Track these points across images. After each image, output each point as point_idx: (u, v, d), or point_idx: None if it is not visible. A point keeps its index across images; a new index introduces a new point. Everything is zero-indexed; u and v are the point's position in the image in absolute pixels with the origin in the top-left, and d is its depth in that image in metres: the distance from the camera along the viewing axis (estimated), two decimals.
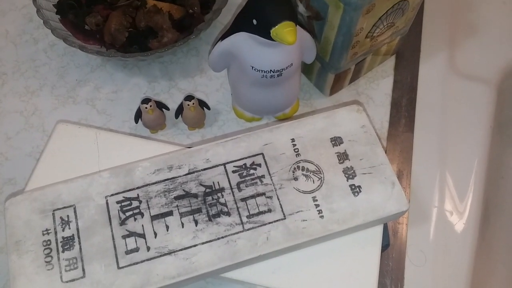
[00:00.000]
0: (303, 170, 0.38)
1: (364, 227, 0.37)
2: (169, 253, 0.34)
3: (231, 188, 0.37)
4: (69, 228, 0.35)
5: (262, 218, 0.36)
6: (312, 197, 0.37)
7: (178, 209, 0.36)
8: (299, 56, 0.41)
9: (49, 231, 0.35)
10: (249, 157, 0.38)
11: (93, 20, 0.51)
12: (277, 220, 0.36)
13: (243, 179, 0.37)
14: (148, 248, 0.35)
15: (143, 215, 0.36)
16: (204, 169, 0.38)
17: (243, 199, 0.36)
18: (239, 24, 0.39)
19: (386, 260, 0.43)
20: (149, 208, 0.36)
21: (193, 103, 0.45)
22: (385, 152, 0.42)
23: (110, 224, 0.36)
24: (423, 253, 0.44)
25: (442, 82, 0.53)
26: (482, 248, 0.47)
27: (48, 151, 0.41)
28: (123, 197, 0.37)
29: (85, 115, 0.50)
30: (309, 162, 0.38)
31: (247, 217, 0.36)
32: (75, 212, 0.36)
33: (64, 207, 0.36)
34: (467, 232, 0.45)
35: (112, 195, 0.37)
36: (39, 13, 0.49)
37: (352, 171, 0.38)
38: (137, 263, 0.34)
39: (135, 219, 0.36)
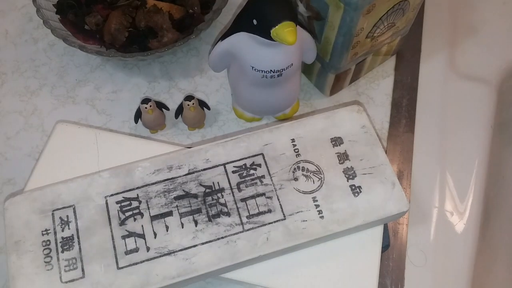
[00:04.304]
0: (303, 170, 0.38)
1: (364, 228, 0.37)
2: (169, 253, 0.34)
3: (231, 189, 0.37)
4: (69, 228, 0.35)
5: (262, 219, 0.36)
6: (312, 198, 0.37)
7: (178, 209, 0.36)
8: (299, 56, 0.41)
9: (48, 231, 0.35)
10: (249, 157, 0.38)
11: (93, 20, 0.51)
12: (277, 221, 0.36)
13: (243, 180, 0.37)
14: (148, 249, 0.35)
15: (143, 215, 0.36)
16: (204, 169, 0.38)
17: (243, 200, 0.36)
18: (239, 24, 0.39)
19: (386, 260, 0.43)
20: (148, 208, 0.36)
21: (193, 103, 0.45)
22: (386, 153, 0.42)
23: (110, 224, 0.35)
24: (423, 254, 0.44)
25: (443, 82, 0.53)
26: (482, 248, 0.46)
27: (47, 151, 0.41)
28: (123, 197, 0.37)
29: (85, 115, 0.50)
30: (309, 163, 0.38)
31: (247, 217, 0.36)
32: (74, 212, 0.36)
33: (64, 207, 0.36)
34: (468, 233, 0.45)
35: (111, 195, 0.37)
36: (39, 13, 0.49)
37: (352, 171, 0.38)
38: (136, 263, 0.34)
39: (134, 219, 0.36)
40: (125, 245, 0.35)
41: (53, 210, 0.36)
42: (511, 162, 0.55)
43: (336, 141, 0.39)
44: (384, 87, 0.52)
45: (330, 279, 0.36)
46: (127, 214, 0.36)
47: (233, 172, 0.38)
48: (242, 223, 0.36)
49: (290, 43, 0.35)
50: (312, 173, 0.38)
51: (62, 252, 0.34)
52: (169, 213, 0.36)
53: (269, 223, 0.36)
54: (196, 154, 0.38)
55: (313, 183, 0.37)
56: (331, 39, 0.42)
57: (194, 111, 0.45)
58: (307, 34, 0.41)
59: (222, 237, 0.35)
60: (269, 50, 0.38)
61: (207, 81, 0.52)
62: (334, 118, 0.40)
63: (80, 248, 0.35)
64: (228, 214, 0.36)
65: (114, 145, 0.41)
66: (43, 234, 0.35)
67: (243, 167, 0.38)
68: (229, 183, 0.37)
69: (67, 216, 0.36)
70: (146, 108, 0.45)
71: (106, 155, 0.41)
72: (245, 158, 0.38)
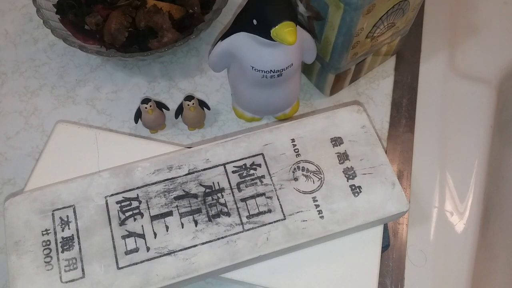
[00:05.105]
0: (303, 170, 0.38)
1: (364, 228, 0.37)
2: (169, 253, 0.34)
3: (231, 188, 0.37)
4: (69, 229, 0.35)
5: (262, 219, 0.36)
6: (312, 198, 0.37)
7: (178, 209, 0.36)
8: (299, 56, 0.41)
9: (48, 231, 0.35)
10: (249, 157, 0.38)
11: (93, 20, 0.51)
12: (277, 221, 0.36)
13: (243, 179, 0.37)
14: (148, 249, 0.35)
15: (143, 215, 0.36)
16: (204, 169, 0.38)
17: (243, 200, 0.36)
18: (239, 24, 0.39)
19: (386, 260, 0.43)
20: (148, 208, 0.36)
21: (193, 103, 0.45)
22: (386, 153, 0.42)
23: (110, 224, 0.35)
24: (423, 254, 0.44)
25: (443, 82, 0.53)
26: (482, 248, 0.46)
27: (47, 151, 0.41)
28: (123, 197, 0.37)
29: (85, 115, 0.50)
30: (309, 163, 0.38)
31: (247, 217, 0.36)
32: (74, 212, 0.36)
33: (64, 207, 0.36)
34: (467, 233, 0.45)
35: (111, 195, 0.37)
36: (39, 13, 0.49)
37: (352, 171, 0.38)
38: (136, 263, 0.34)
39: (134, 220, 0.36)
40: (125, 245, 0.35)
41: (53, 210, 0.36)
42: (511, 162, 0.55)
43: (336, 141, 0.39)
44: (384, 87, 0.52)
45: (330, 279, 0.36)
46: (127, 214, 0.36)
47: (233, 172, 0.38)
48: (242, 223, 0.36)
49: (290, 43, 0.35)
50: (312, 173, 0.38)
51: (62, 252, 0.34)
52: (169, 213, 0.36)
53: (269, 223, 0.36)
54: (196, 154, 0.38)
55: (313, 183, 0.37)
56: (331, 39, 0.42)
57: (194, 111, 0.45)
58: (307, 34, 0.41)
59: (222, 237, 0.35)
60: (269, 50, 0.38)
61: (207, 81, 0.52)
62: (334, 118, 0.40)
63: (80, 248, 0.35)
64: (228, 214, 0.36)
65: (114, 145, 0.41)
66: (43, 234, 0.35)
67: (243, 167, 0.38)
68: (229, 183, 0.37)
69: (67, 216, 0.36)
70: (146, 108, 0.45)
71: (106, 155, 0.41)
72: (245, 158, 0.38)
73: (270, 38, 0.36)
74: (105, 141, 0.42)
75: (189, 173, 0.37)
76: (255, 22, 0.37)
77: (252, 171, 0.38)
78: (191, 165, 0.38)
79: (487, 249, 0.49)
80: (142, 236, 0.35)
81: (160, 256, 0.34)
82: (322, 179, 0.37)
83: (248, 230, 0.35)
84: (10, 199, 0.36)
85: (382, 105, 0.51)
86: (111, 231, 0.35)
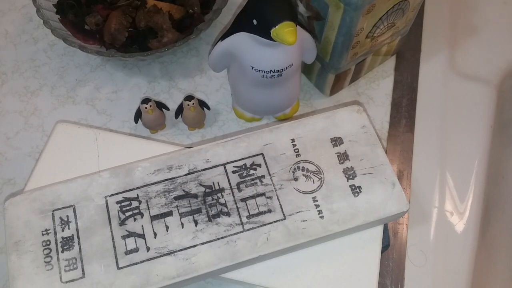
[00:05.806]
0: (303, 170, 0.38)
1: (364, 228, 0.37)
2: (169, 253, 0.34)
3: (231, 189, 0.37)
4: (69, 228, 0.35)
5: (262, 219, 0.36)
6: (312, 198, 0.37)
7: (178, 209, 0.36)
8: (299, 56, 0.41)
9: (48, 231, 0.35)
10: (249, 157, 0.38)
11: (93, 20, 0.51)
12: (277, 221, 0.36)
13: (243, 180, 0.37)
14: (148, 249, 0.35)
15: (143, 215, 0.36)
16: (204, 169, 0.38)
17: (243, 200, 0.36)
18: (239, 24, 0.39)
19: (386, 260, 0.43)
20: (148, 208, 0.36)
21: (193, 103, 0.45)
22: (386, 153, 0.42)
23: (110, 224, 0.35)
24: (423, 254, 0.44)
25: (443, 82, 0.53)
26: (482, 248, 0.47)
27: (47, 151, 0.41)
28: (123, 197, 0.37)
29: (85, 115, 0.50)
30: (309, 163, 0.38)
31: (247, 217, 0.36)
32: (74, 212, 0.36)
33: (64, 207, 0.36)
34: (467, 232, 0.45)
35: (111, 195, 0.37)
36: (39, 13, 0.49)
37: (352, 171, 0.38)
38: (136, 263, 0.34)
39: (134, 219, 0.36)
40: (125, 245, 0.35)
41: (53, 210, 0.36)
42: (511, 162, 0.55)
43: (336, 141, 0.39)
44: (384, 87, 0.52)
45: (330, 279, 0.36)
46: (127, 214, 0.36)
47: (233, 172, 0.38)
48: (242, 223, 0.36)
49: (290, 43, 0.35)
50: (312, 173, 0.38)
51: (62, 252, 0.34)
52: (169, 213, 0.36)
53: (269, 223, 0.36)
54: (196, 154, 0.38)
55: (313, 183, 0.37)
56: (331, 39, 0.42)
57: (194, 111, 0.45)
58: (307, 34, 0.41)
59: (222, 237, 0.35)
60: (269, 50, 0.38)
61: (207, 81, 0.52)
62: (334, 118, 0.40)
63: (80, 248, 0.35)
64: (228, 214, 0.36)
65: (114, 145, 0.41)
66: (43, 234, 0.35)
67: (243, 167, 0.38)
68: (229, 183, 0.37)
69: (67, 216, 0.36)
70: (146, 108, 0.45)
71: (106, 155, 0.41)
72: (245, 158, 0.38)
73: (270, 38, 0.36)
74: (105, 141, 0.42)
75: (189, 173, 0.37)
76: (255, 22, 0.37)
77: (252, 171, 0.38)
78: (191, 165, 0.38)
79: (487, 249, 0.49)
80: (142, 236, 0.35)
81: (160, 256, 0.34)
82: (322, 179, 0.38)
83: (248, 230, 0.35)
84: (10, 199, 0.36)
85: (382, 105, 0.51)
86: (111, 231, 0.35)
